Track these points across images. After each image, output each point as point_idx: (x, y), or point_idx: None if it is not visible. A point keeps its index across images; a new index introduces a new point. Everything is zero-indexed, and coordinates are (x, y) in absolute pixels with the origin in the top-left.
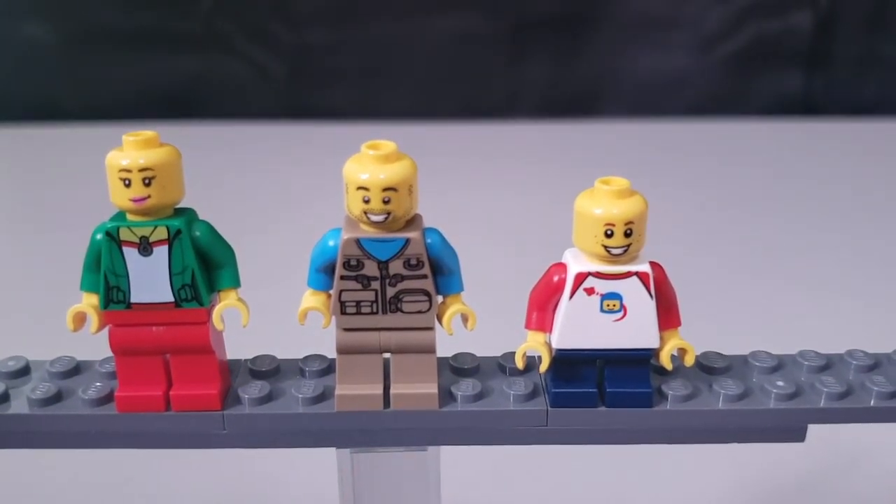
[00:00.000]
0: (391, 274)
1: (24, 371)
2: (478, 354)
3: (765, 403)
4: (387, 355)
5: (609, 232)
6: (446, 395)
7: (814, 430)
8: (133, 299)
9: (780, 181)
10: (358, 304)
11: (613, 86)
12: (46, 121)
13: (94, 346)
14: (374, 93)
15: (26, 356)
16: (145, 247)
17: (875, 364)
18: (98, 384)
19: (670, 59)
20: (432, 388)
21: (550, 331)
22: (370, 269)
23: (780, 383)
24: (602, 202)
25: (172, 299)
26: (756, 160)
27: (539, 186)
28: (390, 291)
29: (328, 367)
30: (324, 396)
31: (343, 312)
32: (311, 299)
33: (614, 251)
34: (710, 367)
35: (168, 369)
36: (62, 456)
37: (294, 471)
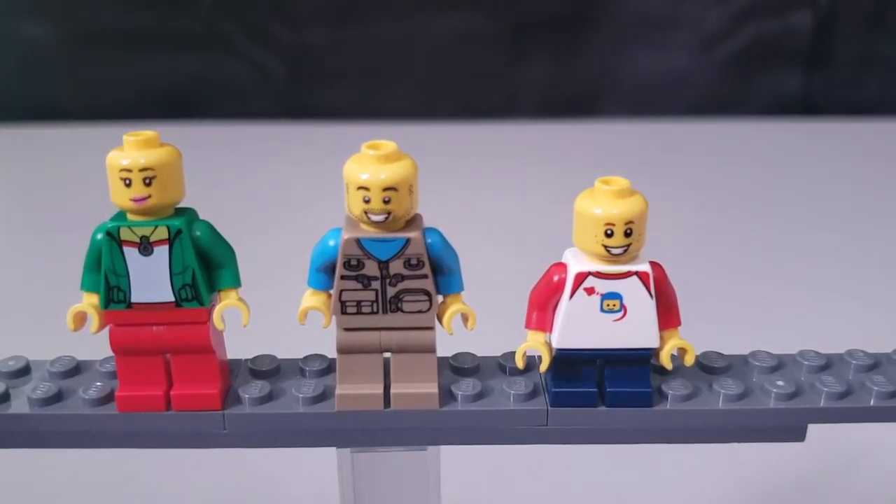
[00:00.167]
0: (391, 274)
1: (24, 371)
2: (478, 354)
3: (765, 403)
4: (387, 355)
5: (609, 232)
6: (446, 395)
7: (814, 429)
8: (133, 299)
9: (780, 181)
10: (358, 303)
11: (613, 86)
12: (46, 121)
13: (95, 345)
14: (374, 93)
15: (27, 356)
16: (146, 246)
17: (875, 364)
18: (98, 384)
19: (670, 59)
20: (432, 388)
21: (550, 330)
22: (370, 268)
23: (780, 383)
24: (602, 202)
25: (173, 299)
26: (756, 160)
27: (539, 186)
28: (391, 291)
29: (328, 367)
30: (324, 396)
31: (343, 312)
32: (312, 299)
33: (614, 251)
34: (710, 367)
35: (168, 369)
36: (62, 456)
37: (294, 470)
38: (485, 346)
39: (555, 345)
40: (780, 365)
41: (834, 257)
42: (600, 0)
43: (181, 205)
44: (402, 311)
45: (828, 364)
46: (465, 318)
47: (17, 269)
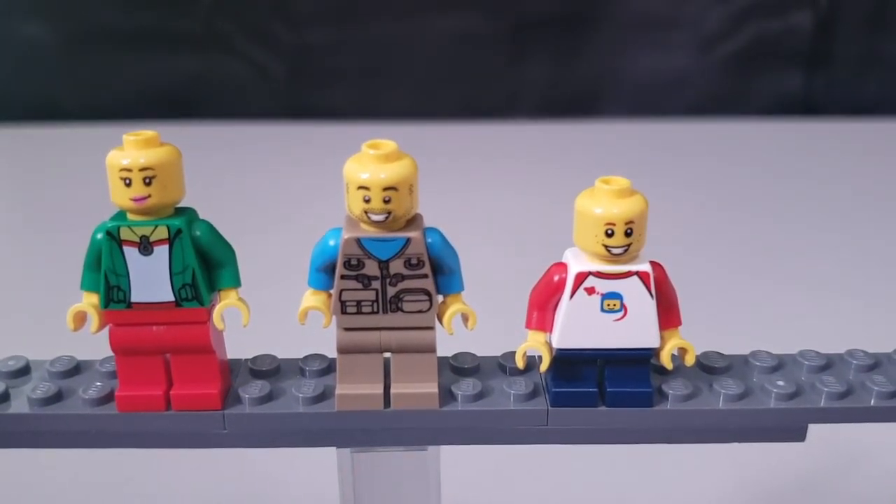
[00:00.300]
0: (392, 273)
1: (24, 371)
2: (478, 354)
3: (765, 403)
4: (387, 355)
5: (609, 231)
6: (446, 395)
7: (814, 429)
8: (133, 299)
9: (781, 181)
10: (358, 303)
11: (613, 86)
12: (46, 121)
13: (95, 345)
14: (374, 93)
15: (26, 356)
16: (146, 246)
17: (875, 364)
18: (98, 384)
19: (670, 59)
20: (433, 388)
21: (551, 330)
22: (371, 268)
23: (781, 383)
24: (602, 201)
25: (173, 299)
26: (756, 160)
27: (539, 186)
28: (391, 291)
29: (328, 367)
30: (324, 396)
31: (343, 312)
32: (312, 299)
33: (615, 251)
34: (710, 367)
35: (168, 369)
36: (62, 455)
37: (294, 470)
38: (485, 346)
39: (555, 345)
40: (780, 365)
41: (834, 257)
42: (600, 0)
43: (181, 204)
44: (403, 310)
45: (828, 364)
46: (465, 318)
47: (17, 268)
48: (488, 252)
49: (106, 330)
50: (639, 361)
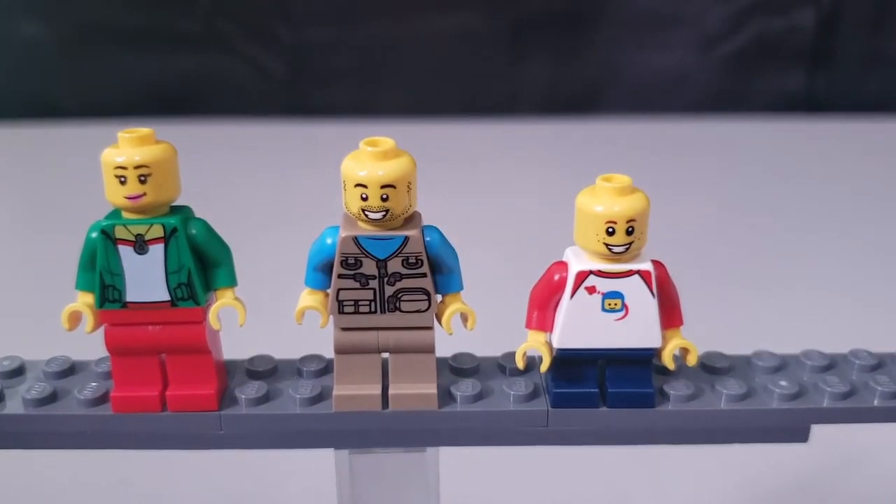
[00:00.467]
0: (390, 272)
1: (19, 371)
2: (477, 354)
3: (768, 403)
4: (385, 355)
5: (611, 230)
6: (445, 396)
7: (817, 430)
8: (128, 298)
9: (782, 180)
10: (356, 303)
11: (614, 84)
12: (44, 119)
13: (90, 345)
14: (374, 92)
15: (21, 356)
16: (141, 245)
17: (879, 364)
18: (93, 384)
19: (672, 58)
20: (431, 389)
21: (551, 330)
22: (368, 267)
23: (784, 383)
24: (603, 200)
25: (168, 298)
26: (758, 159)
27: (539, 186)
28: (389, 290)
29: (326, 368)
30: (321, 397)
31: (341, 311)
32: (309, 298)
33: (616, 249)
34: (712, 367)
35: (164, 369)
36: (57, 456)
37: (292, 472)
38: (484, 346)
39: (555, 345)
40: (783, 365)
41: (837, 256)
42: None
43: (177, 202)
44: (401, 310)
45: (831, 364)
46: (464, 318)
47: (13, 268)
48: (488, 251)
49: (101, 330)
50: (640, 362)
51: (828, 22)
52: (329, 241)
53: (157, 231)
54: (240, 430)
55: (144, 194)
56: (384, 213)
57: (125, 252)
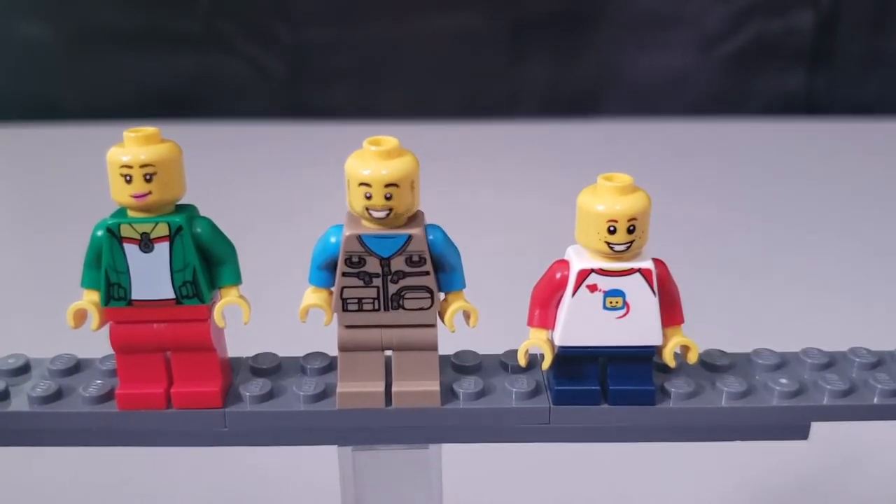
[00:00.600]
0: (393, 270)
1: (24, 369)
2: (480, 352)
3: (768, 401)
4: (388, 353)
5: (612, 228)
6: (448, 393)
7: (817, 427)
8: (134, 296)
9: (782, 180)
10: (360, 300)
11: (614, 85)
12: (46, 120)
13: (95, 343)
14: (374, 92)
15: (26, 354)
16: (146, 243)
17: (878, 362)
18: (98, 382)
19: (671, 59)
20: (434, 386)
21: (553, 328)
22: (372, 265)
23: (784, 381)
24: (605, 198)
25: (173, 296)
26: (757, 160)
27: (540, 186)
28: (392, 288)
29: (329, 365)
30: (325, 394)
31: (345, 309)
32: (313, 296)
33: (617, 248)
34: (713, 365)
35: (169, 367)
36: (62, 454)
37: (295, 469)
38: (487, 343)
39: (557, 342)
40: (783, 363)
41: (837, 256)
42: None
43: (182, 201)
44: (404, 308)
45: (831, 362)
46: (466, 316)
47: (17, 267)
48: (490, 250)
49: (106, 328)
50: (641, 359)
51: (827, 23)
52: (333, 239)
53: (162, 229)
54: (244, 427)
55: (150, 193)
56: (388, 211)
57: (130, 250)
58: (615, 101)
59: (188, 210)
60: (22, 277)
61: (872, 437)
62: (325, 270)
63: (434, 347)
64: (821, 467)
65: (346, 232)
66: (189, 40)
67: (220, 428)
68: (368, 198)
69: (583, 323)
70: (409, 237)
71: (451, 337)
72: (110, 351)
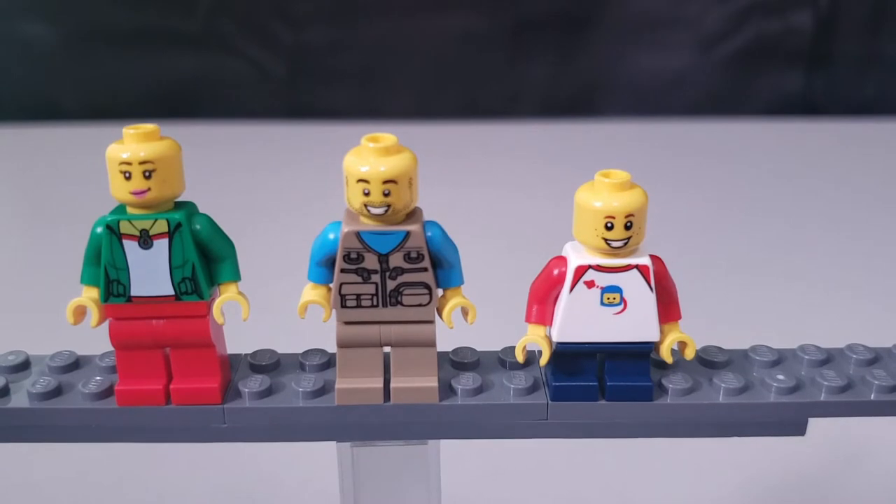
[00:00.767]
0: (391, 267)
1: (24, 365)
2: (478, 348)
3: (765, 397)
4: (387, 349)
5: (609, 225)
6: (446, 389)
7: (814, 423)
8: (133, 293)
9: (780, 180)
10: (358, 297)
11: (614, 85)
12: (46, 120)
13: (95, 340)
14: (374, 93)
15: (26, 350)
16: (146, 240)
17: (875, 358)
18: (98, 378)
19: (671, 59)
20: (432, 382)
21: (551, 324)
22: (370, 262)
23: (781, 377)
24: (602, 195)
25: (173, 293)
26: (756, 160)
27: (539, 186)
28: (390, 285)
29: (328, 361)
30: (324, 390)
31: (343, 306)
32: (312, 293)
33: (614, 244)
34: (710, 361)
35: (168, 363)
36: (62, 450)
37: (294, 465)
38: (485, 340)
39: (555, 338)
40: (780, 359)
41: (834, 254)
42: (600, 0)
43: (181, 198)
44: (402, 304)
45: (828, 358)
46: (465, 312)
47: (17, 265)
48: (488, 248)
49: (106, 324)
50: (639, 355)
51: (826, 23)
52: (332, 236)
53: (161, 226)
54: (243, 424)
55: (149, 189)
56: (386, 208)
57: (130, 247)
58: (614, 101)
59: (187, 207)
60: (22, 275)
61: (869, 433)
62: (324, 267)
63: (432, 344)
64: (817, 463)
65: (345, 228)
66: (189, 40)
67: (220, 424)
68: (366, 194)
69: (580, 319)
70: (408, 233)
71: (450, 333)
72: (110, 347)
